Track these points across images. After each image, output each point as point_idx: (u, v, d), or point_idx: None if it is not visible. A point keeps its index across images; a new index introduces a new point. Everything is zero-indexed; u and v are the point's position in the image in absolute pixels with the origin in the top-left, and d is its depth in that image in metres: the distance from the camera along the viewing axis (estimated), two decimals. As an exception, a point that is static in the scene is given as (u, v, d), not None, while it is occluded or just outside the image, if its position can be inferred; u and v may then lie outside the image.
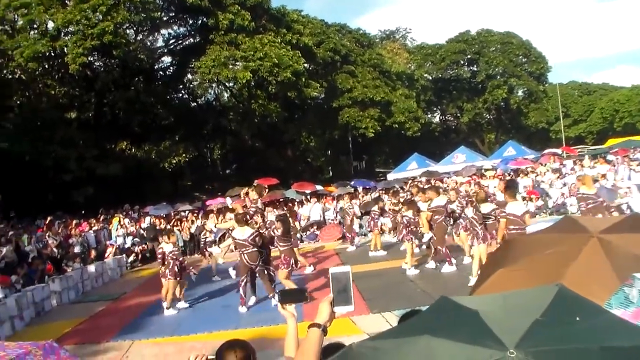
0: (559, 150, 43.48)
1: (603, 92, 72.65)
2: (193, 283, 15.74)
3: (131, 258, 23.61)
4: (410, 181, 34.29)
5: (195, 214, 28.81)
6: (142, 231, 25.96)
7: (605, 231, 4.23)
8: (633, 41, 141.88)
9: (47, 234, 21.86)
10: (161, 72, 46.24)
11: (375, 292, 13.08)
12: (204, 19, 39.86)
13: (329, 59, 47.67)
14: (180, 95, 48.31)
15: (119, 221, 26.02)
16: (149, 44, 44.34)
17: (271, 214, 17.50)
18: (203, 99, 51.97)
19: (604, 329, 1.84)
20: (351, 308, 2.84)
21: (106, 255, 22.48)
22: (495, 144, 62.41)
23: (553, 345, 1.71)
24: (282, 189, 34.34)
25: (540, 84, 65.13)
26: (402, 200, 19.17)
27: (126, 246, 24.32)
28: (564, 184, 26.35)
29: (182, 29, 44.58)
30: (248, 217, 13.98)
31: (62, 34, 33.47)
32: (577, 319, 1.87)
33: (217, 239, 20.41)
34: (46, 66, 36.62)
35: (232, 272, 15.52)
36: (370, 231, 21.44)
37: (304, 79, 41.02)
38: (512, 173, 31.73)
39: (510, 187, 13.57)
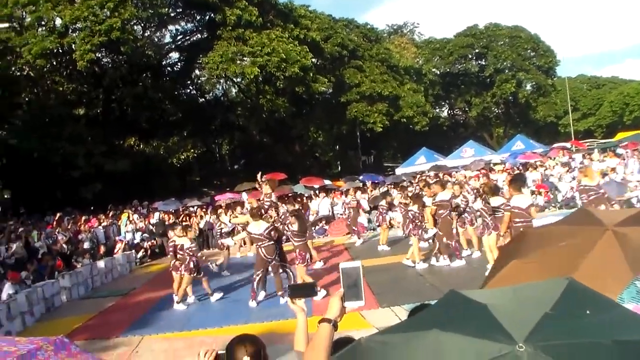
0: (568, 144, 43.33)
1: (612, 85, 72.35)
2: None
3: (140, 254, 23.65)
4: (418, 175, 34.24)
5: (204, 210, 28.83)
6: (151, 227, 26.01)
7: (620, 224, 4.14)
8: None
9: (56, 230, 21.95)
10: (169, 68, 46.35)
11: (385, 287, 13.07)
12: (212, 15, 39.86)
13: (336, 54, 47.64)
14: (188, 91, 48.35)
15: (128, 217, 26.07)
16: (156, 40, 44.40)
17: (280, 209, 17.49)
18: (211, 94, 52.10)
19: (614, 322, 1.83)
20: (362, 303, 2.84)
21: (115, 251, 22.52)
22: (503, 138, 62.14)
23: (563, 339, 1.70)
24: (290, 184, 34.30)
25: (549, 78, 64.84)
26: (409, 194, 19.14)
27: (135, 242, 24.37)
28: (573, 178, 26.18)
29: (189, 25, 44.68)
30: (263, 211, 13.95)
31: (70, 30, 33.52)
32: (587, 312, 1.85)
33: (230, 230, 20.44)
34: (54, 63, 36.70)
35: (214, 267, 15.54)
36: (378, 226, 21.41)
37: (311, 74, 40.96)
38: (520, 167, 31.61)
39: (515, 181, 13.49)
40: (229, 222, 20.22)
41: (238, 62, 38.05)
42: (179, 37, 45.20)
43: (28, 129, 32.89)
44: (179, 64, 46.48)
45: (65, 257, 19.41)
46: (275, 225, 13.59)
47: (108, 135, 36.52)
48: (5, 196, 35.34)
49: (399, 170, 41.28)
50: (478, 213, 15.05)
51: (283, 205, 19.73)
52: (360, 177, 36.81)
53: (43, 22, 33.50)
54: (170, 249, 14.08)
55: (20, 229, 20.96)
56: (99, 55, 36.05)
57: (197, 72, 47.28)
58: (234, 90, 51.76)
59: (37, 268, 17.05)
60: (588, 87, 74.16)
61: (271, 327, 10.66)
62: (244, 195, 23.42)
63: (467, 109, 66.34)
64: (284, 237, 14.41)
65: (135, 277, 20.17)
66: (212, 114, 46.18)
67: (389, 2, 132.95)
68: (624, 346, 1.67)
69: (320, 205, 27.98)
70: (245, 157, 51.65)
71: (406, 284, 13.61)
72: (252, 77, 37.60)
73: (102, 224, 25.02)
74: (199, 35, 44.20)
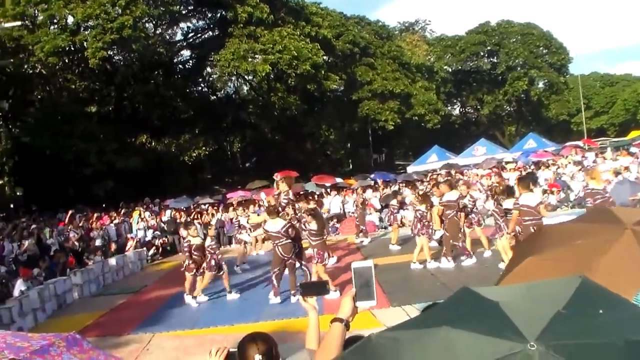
0: (580, 143, 43.17)
1: (626, 83, 71.86)
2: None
3: (152, 251, 23.70)
4: (430, 174, 34.20)
5: (215, 207, 28.88)
6: (162, 224, 26.07)
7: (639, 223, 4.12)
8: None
9: (68, 227, 22.04)
10: (180, 66, 46.44)
11: (395, 285, 13.05)
12: (223, 12, 39.97)
13: (348, 52, 47.66)
14: (200, 88, 48.52)
15: (140, 214, 26.15)
16: (168, 37, 44.55)
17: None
18: (222, 92, 52.14)
19: (628, 322, 1.81)
20: (374, 303, 2.84)
21: (127, 248, 22.58)
22: (515, 137, 62.03)
23: (575, 338, 1.68)
24: (302, 181, 34.33)
25: (561, 76, 64.66)
26: (420, 193, 19.09)
27: (147, 239, 24.42)
28: (586, 176, 26.09)
29: (201, 23, 44.80)
30: (280, 208, 13.92)
31: (82, 28, 33.70)
32: (600, 311, 1.84)
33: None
34: (66, 61, 36.88)
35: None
36: (390, 225, 21.38)
37: (323, 72, 41.01)
38: (533, 166, 31.52)
39: (524, 179, 13.42)
40: (247, 223, 20.17)
41: (249, 59, 38.13)
42: (190, 35, 45.37)
43: (40, 127, 33.09)
44: (190, 61, 46.60)
45: (77, 254, 19.49)
46: (293, 223, 13.57)
47: (120, 132, 36.68)
48: (18, 193, 35.53)
49: (410, 169, 41.24)
50: (490, 213, 15.00)
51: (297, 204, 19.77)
52: (372, 175, 36.83)
53: (55, 20, 33.60)
54: (185, 248, 14.07)
55: (33, 226, 21.07)
56: (111, 53, 36.19)
57: (208, 69, 47.41)
58: (245, 88, 51.80)
59: (49, 265, 17.15)
60: (601, 84, 73.70)
61: (282, 325, 10.64)
62: (263, 195, 23.41)
63: (479, 107, 66.25)
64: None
65: (146, 275, 20.19)
66: (224, 112, 46.27)
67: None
68: (637, 346, 1.66)
69: (331, 204, 27.96)
70: (257, 155, 51.75)
71: (417, 283, 13.60)
72: (263, 74, 37.61)
73: (114, 222, 25.09)
74: (211, 33, 44.35)
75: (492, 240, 15.24)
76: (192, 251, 13.72)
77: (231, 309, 13.15)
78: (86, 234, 22.16)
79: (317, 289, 3.39)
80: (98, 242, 21.68)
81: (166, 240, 24.92)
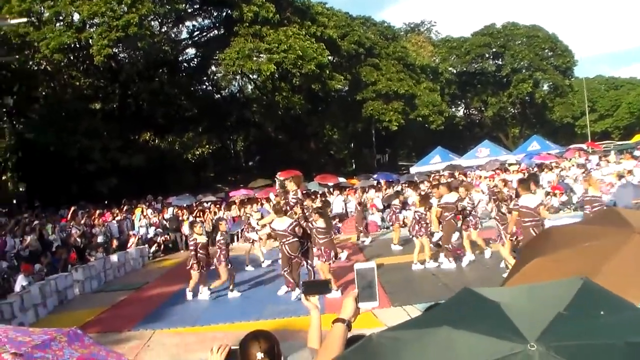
0: (584, 146, 43.13)
1: (630, 86, 71.82)
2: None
3: (153, 248, 23.75)
4: (433, 175, 34.20)
5: (217, 205, 28.89)
6: (164, 222, 26.09)
7: None
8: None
9: (70, 224, 22.10)
10: (185, 64, 46.43)
11: (397, 286, 13.07)
12: (228, 11, 39.95)
13: (353, 52, 47.67)
14: (204, 87, 48.57)
15: (142, 212, 26.17)
16: (173, 35, 44.55)
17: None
18: (227, 90, 52.21)
19: (630, 324, 1.80)
20: (376, 304, 2.84)
21: (129, 245, 22.61)
22: (519, 139, 61.93)
23: (576, 339, 1.68)
24: (305, 181, 34.32)
25: (566, 78, 64.60)
26: (421, 194, 19.10)
27: (149, 236, 24.46)
28: (589, 179, 26.05)
29: (206, 21, 44.82)
30: (288, 207, 13.91)
31: (88, 25, 33.73)
32: (602, 313, 1.84)
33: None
34: (71, 57, 36.89)
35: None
36: (391, 225, 21.38)
37: (328, 72, 41.00)
38: (536, 168, 31.49)
39: (525, 180, 13.40)
40: (257, 223, 20.17)
41: (254, 58, 38.11)
42: (195, 33, 45.39)
43: (45, 123, 33.14)
44: (195, 60, 46.60)
45: (78, 250, 19.55)
46: (300, 221, 13.58)
47: (124, 130, 36.74)
48: (21, 189, 35.66)
49: (413, 169, 41.29)
50: (492, 216, 14.99)
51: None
52: (375, 176, 36.85)
53: (61, 17, 33.63)
54: (191, 247, 14.09)
55: (35, 222, 21.12)
56: (116, 51, 36.16)
57: (213, 68, 47.47)
58: (249, 87, 51.83)
59: (50, 261, 17.18)
60: (606, 87, 73.66)
61: (284, 324, 10.64)
62: (272, 195, 23.43)
63: (483, 108, 66.22)
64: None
65: (148, 272, 20.22)
66: (228, 110, 46.28)
67: (406, 0, 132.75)
68: (638, 348, 1.65)
69: (334, 203, 27.96)
70: (260, 154, 51.80)
71: (419, 284, 13.62)
72: (268, 73, 37.59)
73: (116, 218, 25.12)
74: (216, 32, 44.32)
75: (490, 241, 15.27)
76: (198, 249, 13.74)
77: (233, 306, 13.17)
78: (88, 230, 22.21)
79: (319, 288, 3.39)
80: (100, 239, 21.69)
81: (168, 237, 24.96)
